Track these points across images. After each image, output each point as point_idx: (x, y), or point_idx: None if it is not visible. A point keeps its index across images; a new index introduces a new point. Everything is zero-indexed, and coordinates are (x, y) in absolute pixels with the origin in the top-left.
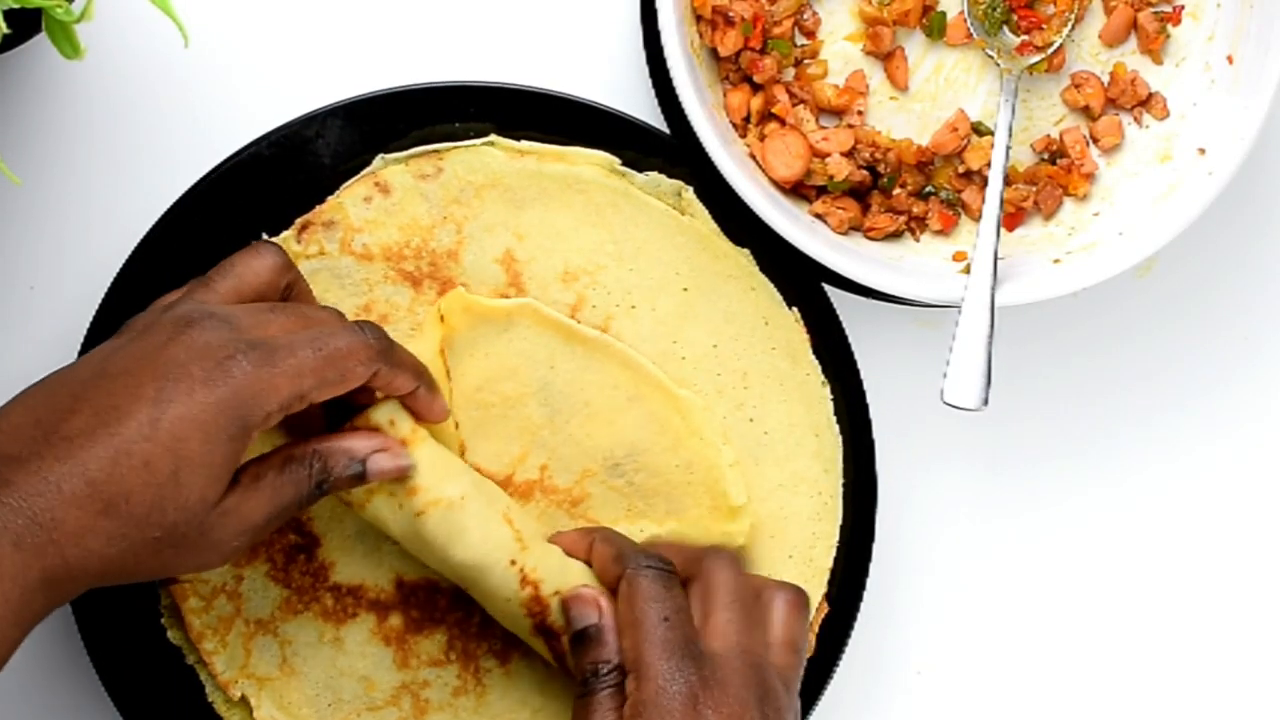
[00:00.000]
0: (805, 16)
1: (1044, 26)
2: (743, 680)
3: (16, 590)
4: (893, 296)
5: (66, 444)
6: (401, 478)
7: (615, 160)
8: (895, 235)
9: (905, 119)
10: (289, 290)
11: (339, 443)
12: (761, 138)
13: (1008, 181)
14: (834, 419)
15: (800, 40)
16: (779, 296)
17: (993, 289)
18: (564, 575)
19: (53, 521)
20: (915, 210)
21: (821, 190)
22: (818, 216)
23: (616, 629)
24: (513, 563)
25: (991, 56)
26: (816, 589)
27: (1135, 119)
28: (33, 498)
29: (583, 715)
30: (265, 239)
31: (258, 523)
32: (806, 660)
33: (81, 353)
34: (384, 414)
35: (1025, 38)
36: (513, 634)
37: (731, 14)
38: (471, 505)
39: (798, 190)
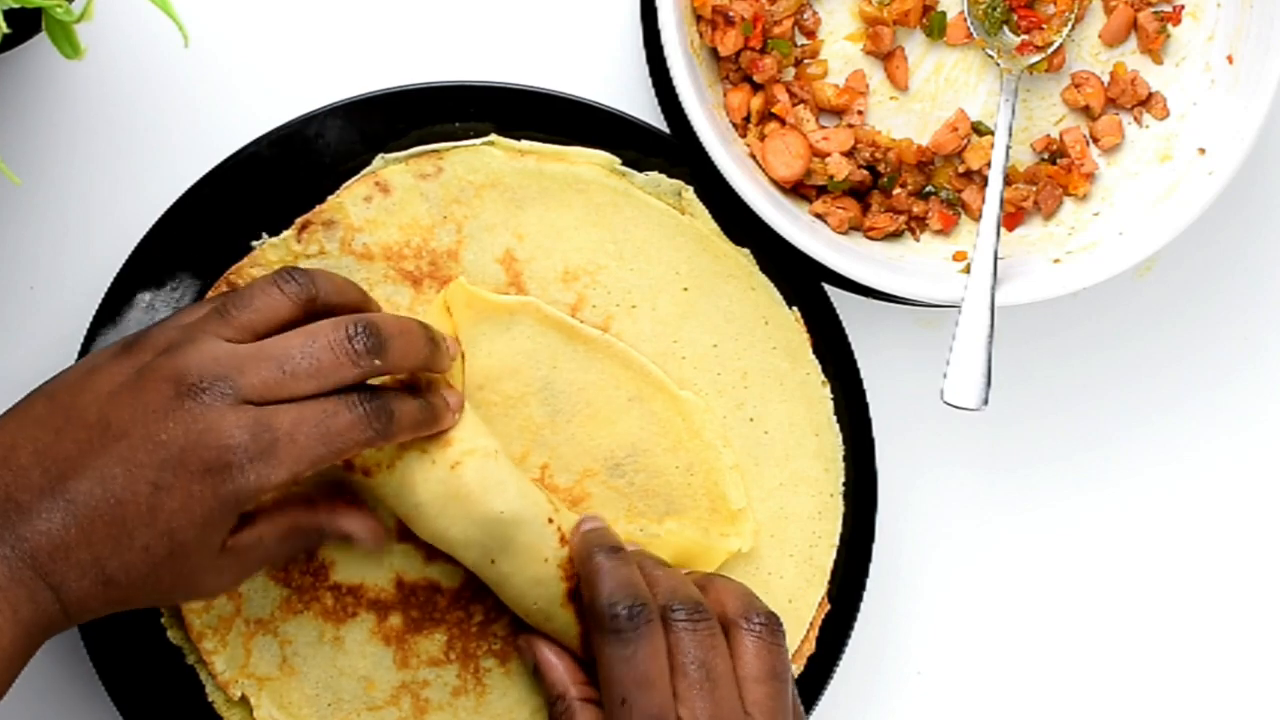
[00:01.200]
0: (805, 16)
1: (1044, 26)
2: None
3: (30, 636)
4: (893, 296)
5: (72, 508)
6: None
7: (615, 160)
8: (895, 235)
9: (905, 119)
10: (326, 312)
11: (340, 522)
12: (761, 137)
13: (1008, 181)
14: (834, 418)
15: (800, 40)
16: (779, 296)
17: (993, 289)
18: None
19: (59, 584)
20: (915, 210)
21: (821, 190)
22: (818, 216)
23: (555, 663)
24: (550, 520)
25: (991, 56)
26: (817, 588)
27: (1135, 119)
28: (43, 558)
29: None
30: (289, 269)
31: (249, 572)
32: (808, 659)
33: (81, 353)
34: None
35: (1025, 37)
36: (512, 634)
37: (731, 14)
38: (505, 460)
39: (798, 190)
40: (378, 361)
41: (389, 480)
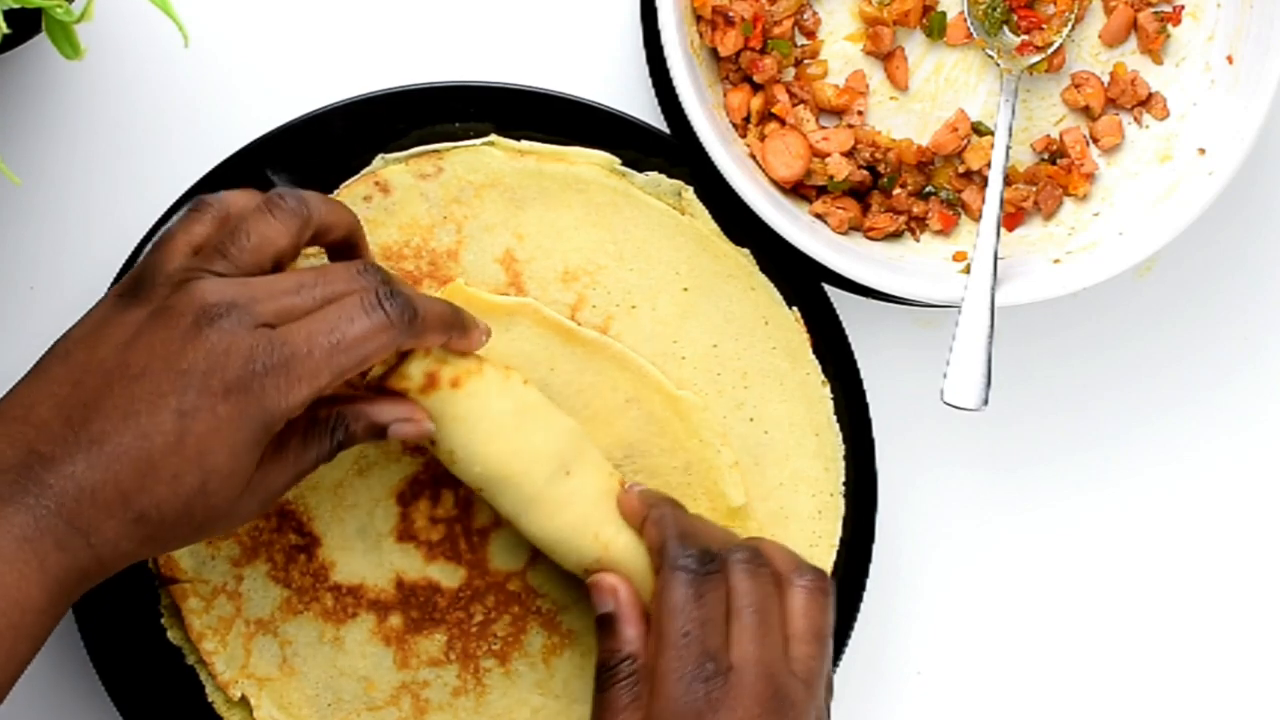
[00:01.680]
0: (805, 16)
1: (1044, 26)
2: (754, 697)
3: (58, 585)
4: (893, 296)
5: (97, 449)
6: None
7: (615, 160)
8: (895, 235)
9: (905, 119)
10: (321, 236)
11: (364, 407)
12: (761, 138)
13: (1008, 181)
14: (834, 418)
15: (800, 40)
16: (779, 296)
17: (993, 289)
18: None
19: (89, 528)
20: (915, 210)
21: (821, 190)
22: (818, 216)
23: (636, 617)
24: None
25: (991, 56)
26: None
27: (1135, 119)
28: (70, 503)
29: (599, 709)
30: (280, 189)
31: (278, 490)
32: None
33: None
34: (419, 367)
35: (1025, 38)
36: (512, 634)
37: (731, 14)
38: None
39: (798, 190)
40: (388, 308)
41: (457, 397)
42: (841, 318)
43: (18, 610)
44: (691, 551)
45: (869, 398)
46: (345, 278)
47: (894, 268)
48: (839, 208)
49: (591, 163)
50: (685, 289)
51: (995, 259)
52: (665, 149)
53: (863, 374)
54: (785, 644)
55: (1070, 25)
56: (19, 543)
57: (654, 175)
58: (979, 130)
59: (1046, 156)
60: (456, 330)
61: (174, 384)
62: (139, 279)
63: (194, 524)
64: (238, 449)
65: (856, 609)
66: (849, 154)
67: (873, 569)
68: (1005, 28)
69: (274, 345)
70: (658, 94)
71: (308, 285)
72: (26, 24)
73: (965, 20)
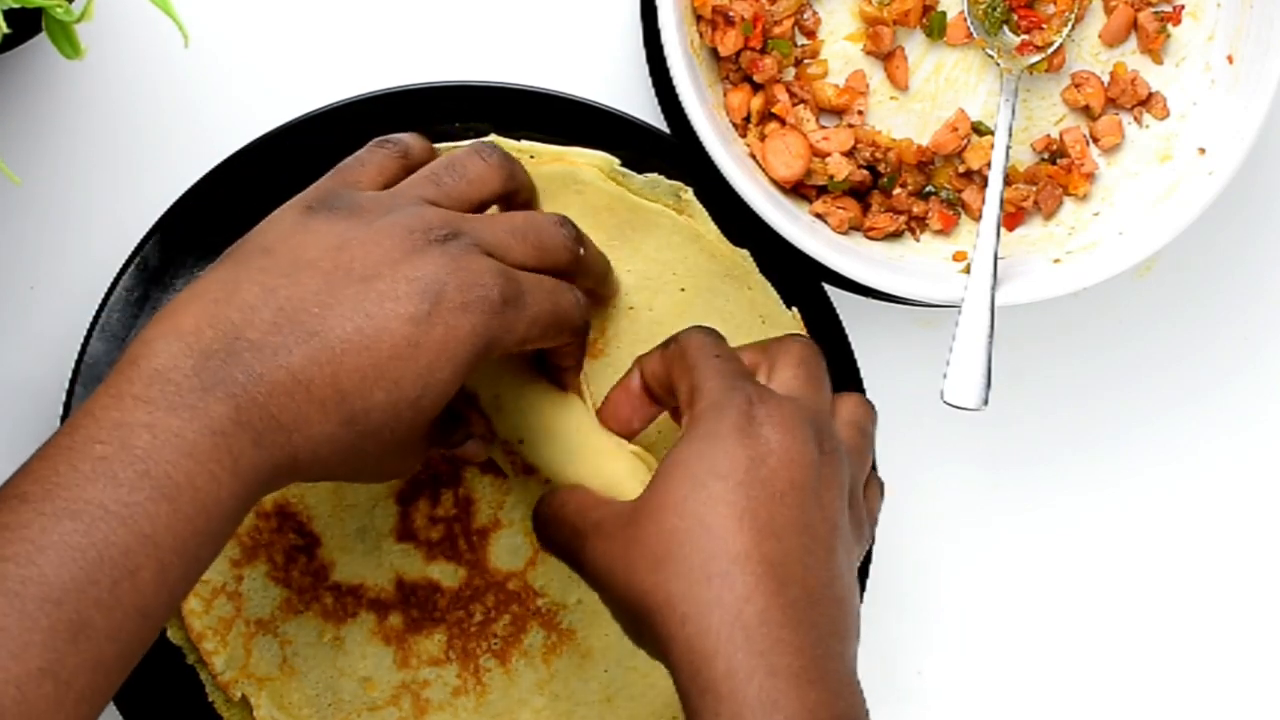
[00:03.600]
0: (805, 16)
1: (1044, 26)
2: (797, 408)
3: (249, 489)
4: (893, 296)
5: (318, 342)
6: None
7: (615, 160)
8: (895, 235)
9: (905, 119)
10: (514, 195)
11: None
12: (761, 137)
13: (1008, 181)
14: None
15: (800, 40)
16: (776, 295)
17: (993, 289)
18: None
19: (295, 423)
20: (915, 210)
21: (821, 190)
22: (818, 216)
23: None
24: None
25: (991, 56)
26: None
27: (1135, 119)
28: (279, 394)
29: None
30: (490, 140)
31: (424, 450)
32: None
33: (80, 355)
34: None
35: (1025, 37)
36: (512, 634)
37: (731, 14)
38: None
39: (798, 190)
40: (582, 251)
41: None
42: (841, 318)
43: (204, 515)
44: (696, 327)
45: (869, 397)
46: (550, 228)
47: (894, 268)
48: (839, 207)
49: (590, 163)
50: (682, 289)
51: (995, 259)
52: (665, 149)
53: (863, 374)
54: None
55: (1070, 25)
56: (214, 437)
57: (653, 176)
58: (979, 130)
59: (1046, 156)
60: (608, 285)
61: (409, 290)
62: (328, 197)
63: (393, 439)
64: (460, 367)
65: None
66: (849, 154)
67: (873, 569)
68: (1005, 27)
69: (509, 278)
70: (658, 94)
71: (519, 229)
72: (26, 24)
73: (965, 20)
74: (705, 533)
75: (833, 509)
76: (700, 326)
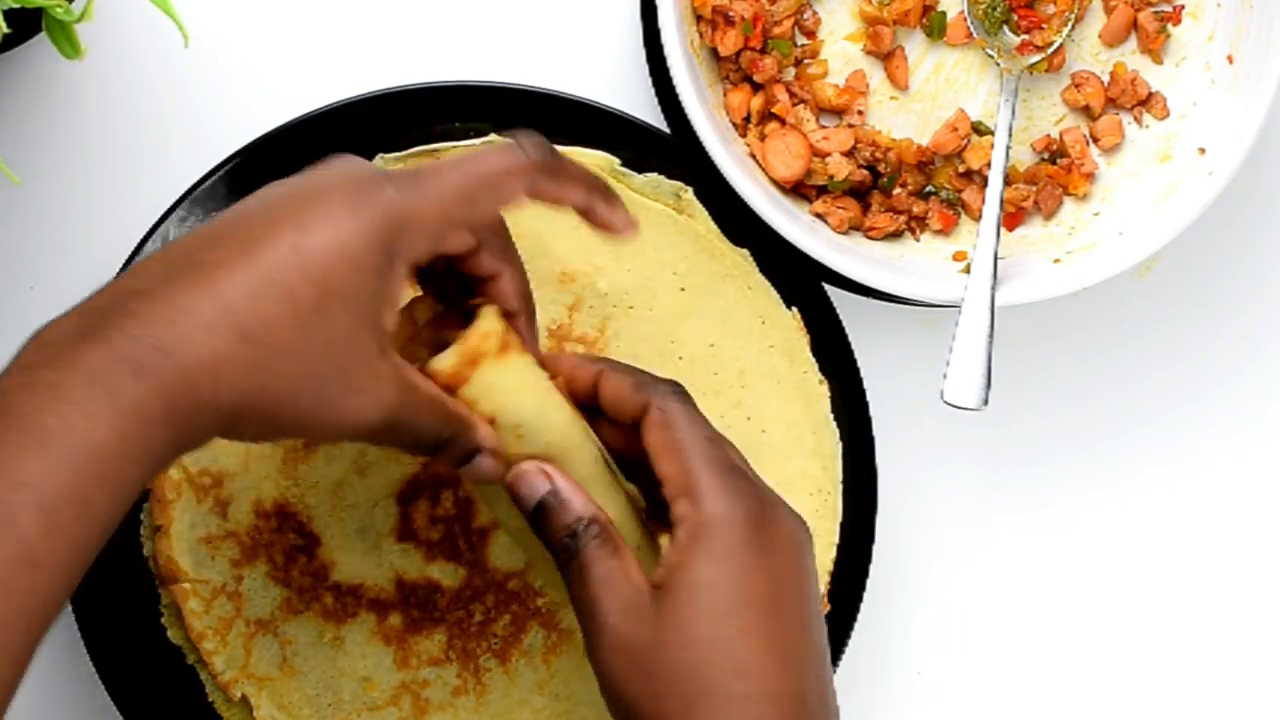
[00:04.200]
0: (805, 16)
1: (1044, 26)
2: (790, 512)
3: (136, 424)
4: (893, 296)
5: (199, 272)
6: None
7: (615, 160)
8: (895, 235)
9: (905, 119)
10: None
11: (479, 424)
12: (761, 137)
13: (1008, 181)
14: (831, 416)
15: (800, 40)
16: (776, 295)
17: (993, 289)
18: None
19: (179, 348)
20: (915, 210)
21: (821, 190)
22: (818, 216)
23: (576, 488)
24: None
25: (991, 56)
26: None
27: (1135, 119)
28: (158, 325)
29: (580, 576)
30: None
31: (394, 419)
32: None
33: None
34: (490, 321)
35: (1025, 37)
36: (512, 634)
37: (731, 14)
38: None
39: (798, 190)
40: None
41: (521, 364)
42: (841, 317)
43: (83, 453)
44: (667, 381)
45: (869, 397)
46: (498, 170)
47: (894, 268)
48: (839, 207)
49: (591, 163)
50: (682, 289)
51: (995, 259)
52: (665, 149)
53: (863, 374)
54: None
55: (1070, 25)
56: (87, 379)
57: (653, 176)
58: (979, 130)
59: (1046, 156)
60: (600, 194)
61: (295, 203)
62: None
63: (309, 357)
64: (360, 267)
65: (856, 609)
66: (849, 154)
67: (873, 569)
68: (1005, 27)
69: (404, 172)
70: (658, 94)
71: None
72: (26, 24)
73: (965, 20)
74: (740, 675)
75: (820, 618)
76: (677, 389)
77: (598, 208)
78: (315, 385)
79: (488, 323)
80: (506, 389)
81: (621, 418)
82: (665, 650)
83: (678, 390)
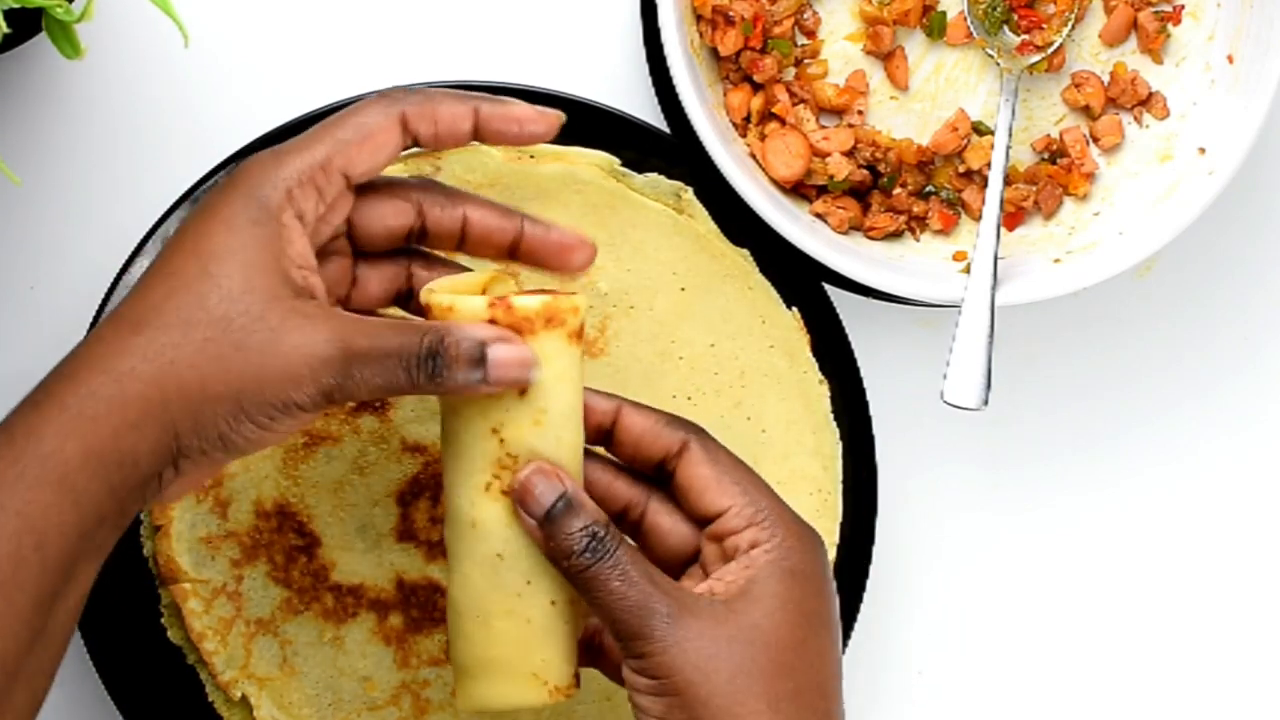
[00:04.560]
0: (805, 16)
1: (1044, 26)
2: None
3: (77, 420)
4: (893, 296)
5: (120, 320)
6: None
7: (615, 160)
8: (895, 235)
9: (905, 119)
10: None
11: (460, 324)
12: (762, 137)
13: (1008, 181)
14: (831, 416)
15: (800, 40)
16: (776, 295)
17: (993, 289)
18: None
19: (93, 354)
20: (915, 210)
21: (822, 190)
22: (818, 216)
23: (583, 492)
24: None
25: (991, 56)
26: None
27: (1135, 119)
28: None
29: (606, 576)
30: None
31: (349, 345)
32: None
33: None
34: (579, 300)
35: (1025, 37)
36: None
37: (732, 14)
38: None
39: (798, 190)
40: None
41: (568, 343)
42: (841, 317)
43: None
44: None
45: (869, 398)
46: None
47: (894, 268)
48: (839, 207)
49: (590, 163)
50: (683, 289)
51: (995, 259)
52: (665, 149)
53: (863, 374)
54: None
55: (1070, 25)
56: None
57: (653, 176)
58: (979, 130)
59: (1046, 156)
60: (484, 101)
61: (188, 220)
62: None
63: (212, 317)
64: (233, 225)
65: (857, 609)
66: (849, 154)
67: (873, 569)
68: (1005, 27)
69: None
70: (658, 94)
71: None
72: (26, 24)
73: (965, 20)
74: (832, 677)
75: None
76: (702, 430)
77: (485, 110)
78: (235, 340)
79: (578, 300)
80: (557, 370)
81: (644, 453)
82: (741, 647)
83: (703, 429)
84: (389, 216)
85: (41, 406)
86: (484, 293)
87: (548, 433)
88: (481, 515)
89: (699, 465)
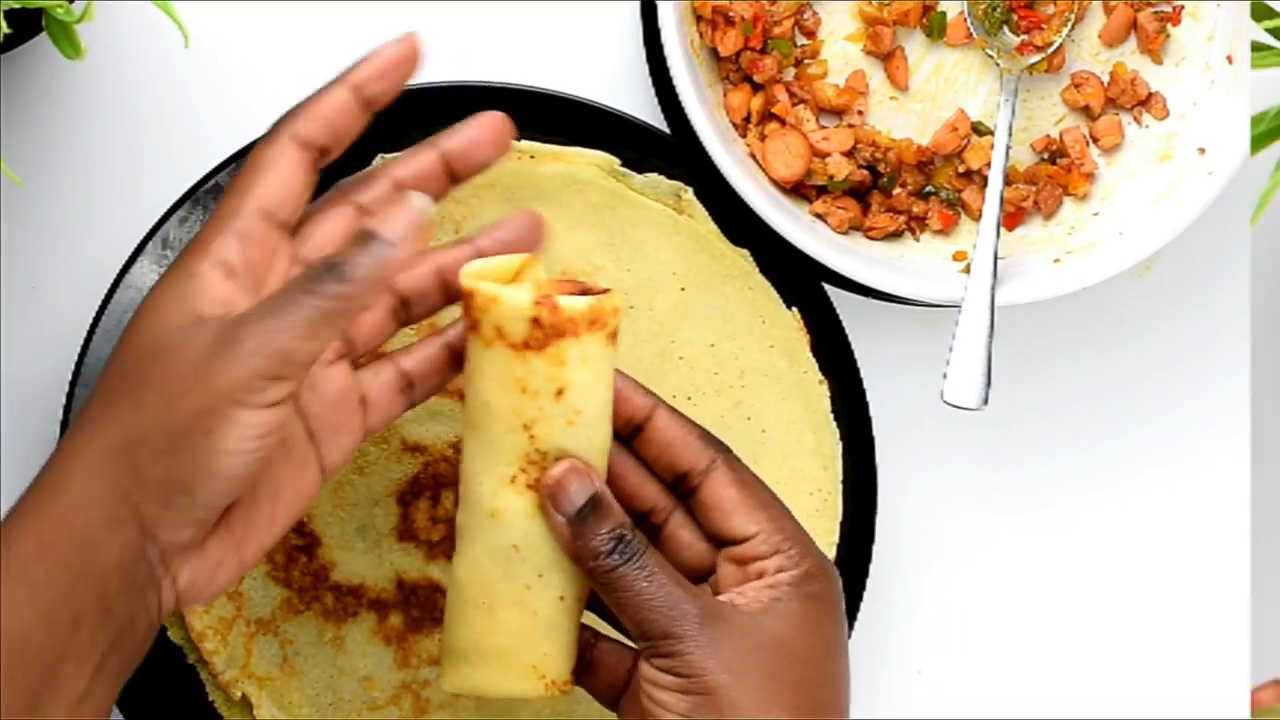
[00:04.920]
0: (805, 16)
1: (1044, 26)
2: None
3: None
4: (893, 296)
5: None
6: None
7: (615, 161)
8: (895, 235)
9: (905, 119)
10: None
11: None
12: (762, 137)
13: (1008, 181)
14: (831, 415)
15: (800, 40)
16: (776, 295)
17: (993, 289)
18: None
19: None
20: (915, 210)
21: (821, 190)
22: (818, 216)
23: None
24: None
25: (991, 56)
26: None
27: (1135, 119)
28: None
29: (634, 578)
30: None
31: (269, 336)
32: None
33: (81, 355)
34: (619, 300)
35: (1025, 37)
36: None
37: (732, 14)
38: None
39: (798, 190)
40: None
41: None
42: (841, 317)
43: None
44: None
45: (869, 398)
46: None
47: (894, 268)
48: (839, 207)
49: (591, 163)
50: (683, 289)
51: (995, 259)
52: (665, 149)
53: (863, 374)
54: None
55: (1070, 25)
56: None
57: (653, 177)
58: (979, 130)
59: (1046, 156)
60: (442, 136)
61: None
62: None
63: (156, 355)
64: (158, 290)
65: (856, 609)
66: (849, 154)
67: (873, 568)
68: (1005, 28)
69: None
70: (658, 94)
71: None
72: (27, 24)
73: (965, 20)
74: (845, 699)
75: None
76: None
77: (449, 145)
78: (181, 384)
79: (618, 299)
80: (596, 372)
81: (669, 460)
82: (781, 656)
83: (730, 449)
84: (334, 230)
85: (10, 516)
86: (516, 277)
87: (580, 433)
88: (503, 506)
89: (727, 487)
